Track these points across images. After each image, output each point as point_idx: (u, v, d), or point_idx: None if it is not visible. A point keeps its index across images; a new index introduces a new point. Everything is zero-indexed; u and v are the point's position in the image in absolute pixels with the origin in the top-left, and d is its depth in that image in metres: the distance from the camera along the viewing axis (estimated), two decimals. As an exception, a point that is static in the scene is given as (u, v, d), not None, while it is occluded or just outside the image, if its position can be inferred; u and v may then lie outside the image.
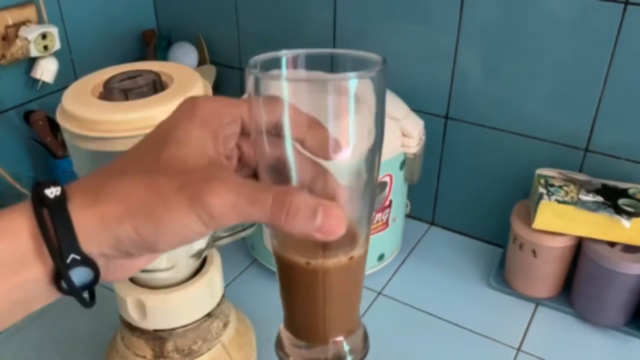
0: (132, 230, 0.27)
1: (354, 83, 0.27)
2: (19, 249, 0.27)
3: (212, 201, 0.26)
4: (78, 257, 0.27)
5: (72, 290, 0.28)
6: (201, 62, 1.03)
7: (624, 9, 0.67)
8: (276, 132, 0.28)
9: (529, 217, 0.74)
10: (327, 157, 0.29)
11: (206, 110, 0.30)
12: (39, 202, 0.27)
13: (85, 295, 0.29)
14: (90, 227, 0.27)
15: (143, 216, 0.27)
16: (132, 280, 0.59)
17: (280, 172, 0.29)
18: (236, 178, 0.28)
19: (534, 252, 0.75)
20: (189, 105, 0.31)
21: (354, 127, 0.28)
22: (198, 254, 0.59)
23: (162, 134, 0.30)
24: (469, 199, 0.90)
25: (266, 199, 0.27)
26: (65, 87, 0.52)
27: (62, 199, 0.27)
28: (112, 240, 0.28)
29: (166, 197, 0.27)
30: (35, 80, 0.89)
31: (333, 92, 0.26)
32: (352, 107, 0.27)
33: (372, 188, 0.31)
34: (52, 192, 0.27)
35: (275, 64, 0.31)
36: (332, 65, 0.32)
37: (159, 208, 0.27)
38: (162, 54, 1.03)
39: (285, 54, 0.31)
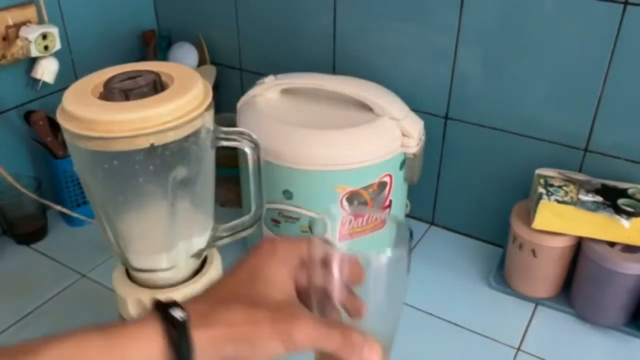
0: (232, 351, 0.36)
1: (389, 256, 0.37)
2: (151, 356, 0.35)
3: (298, 336, 0.36)
4: None
5: None
6: (201, 62, 1.03)
7: (624, 9, 0.67)
8: (326, 265, 0.37)
9: (528, 217, 0.75)
10: (359, 284, 0.38)
11: (283, 250, 0.39)
12: (170, 323, 0.35)
13: None
14: (203, 345, 0.35)
15: (243, 341, 0.36)
16: (133, 279, 0.59)
17: (326, 296, 0.38)
18: (312, 316, 0.38)
19: (533, 252, 0.75)
20: (270, 247, 0.40)
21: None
22: (198, 254, 0.59)
23: (251, 271, 0.39)
24: (468, 199, 0.90)
25: (335, 336, 0.36)
26: (65, 88, 0.52)
27: (186, 322, 0.35)
28: (215, 356, 0.36)
29: (262, 328, 0.36)
30: (36, 81, 0.89)
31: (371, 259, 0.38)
32: (384, 271, 0.38)
33: (394, 317, 0.40)
34: (179, 315, 0.35)
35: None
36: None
37: (256, 336, 0.36)
38: (162, 54, 1.03)
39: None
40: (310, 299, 0.39)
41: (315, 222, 0.39)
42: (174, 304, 0.36)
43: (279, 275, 0.39)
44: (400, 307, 0.41)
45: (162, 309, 0.36)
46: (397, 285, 0.39)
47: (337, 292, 0.38)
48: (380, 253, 0.37)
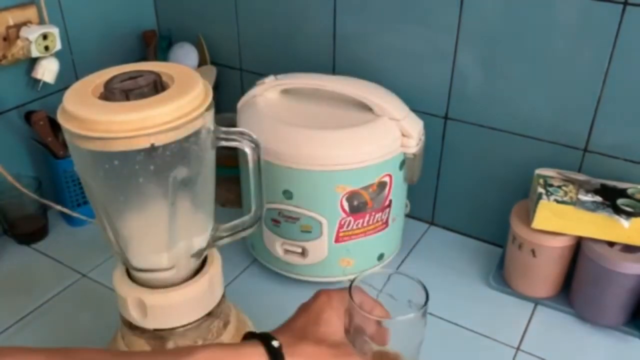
0: None
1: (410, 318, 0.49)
2: None
3: None
4: None
5: None
6: (201, 63, 1.03)
7: (623, 9, 0.68)
8: (361, 308, 0.48)
9: (528, 217, 0.75)
10: (385, 318, 0.50)
11: (336, 300, 0.51)
12: (270, 349, 0.47)
13: None
14: None
15: None
16: (133, 279, 0.60)
17: (361, 330, 0.49)
18: (357, 353, 0.49)
19: (533, 252, 0.75)
20: (326, 298, 0.52)
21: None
22: (198, 254, 0.59)
23: (314, 315, 0.51)
24: (468, 198, 0.90)
25: None
26: (66, 88, 0.52)
27: (281, 348, 0.47)
28: None
29: None
30: (36, 81, 0.89)
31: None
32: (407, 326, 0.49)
33: (415, 351, 0.52)
34: (276, 344, 0.47)
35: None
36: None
37: None
38: (162, 55, 1.03)
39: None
40: (350, 334, 0.50)
41: (356, 279, 0.51)
42: (268, 335, 0.48)
43: (334, 320, 0.50)
44: (419, 345, 0.52)
45: (262, 338, 0.48)
46: (416, 331, 0.51)
47: (369, 328, 0.49)
48: (404, 314, 0.48)
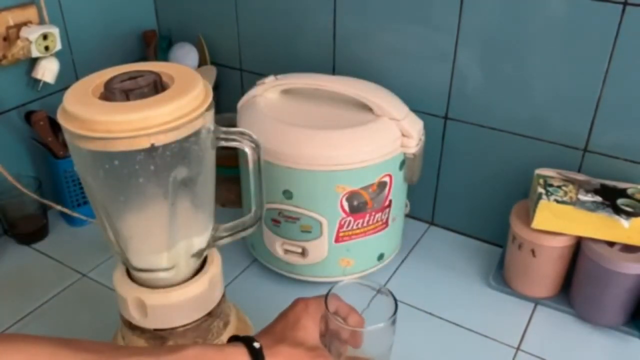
0: None
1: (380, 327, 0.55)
2: None
3: None
4: None
5: None
6: (202, 63, 1.03)
7: (623, 10, 0.68)
8: (335, 316, 0.55)
9: (528, 217, 0.75)
10: (360, 327, 0.57)
11: (313, 309, 0.56)
12: (252, 350, 0.51)
13: None
14: None
15: None
16: (133, 279, 0.60)
17: (336, 335, 0.55)
18: (331, 356, 0.55)
19: (533, 252, 0.75)
20: (304, 305, 0.56)
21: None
22: (199, 254, 0.59)
23: (292, 320, 0.55)
24: (468, 198, 0.90)
25: None
26: (66, 88, 0.52)
27: (261, 350, 0.51)
28: None
29: None
30: (37, 81, 0.89)
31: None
32: (378, 333, 0.56)
33: (386, 352, 0.58)
34: (257, 345, 0.51)
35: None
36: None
37: None
38: (162, 55, 1.03)
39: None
40: (325, 339, 0.55)
41: (332, 288, 0.57)
42: (250, 337, 0.52)
43: (310, 325, 0.55)
44: (389, 348, 0.57)
45: (244, 340, 0.52)
46: (386, 337, 0.56)
47: (344, 333, 0.55)
48: (375, 324, 0.54)
